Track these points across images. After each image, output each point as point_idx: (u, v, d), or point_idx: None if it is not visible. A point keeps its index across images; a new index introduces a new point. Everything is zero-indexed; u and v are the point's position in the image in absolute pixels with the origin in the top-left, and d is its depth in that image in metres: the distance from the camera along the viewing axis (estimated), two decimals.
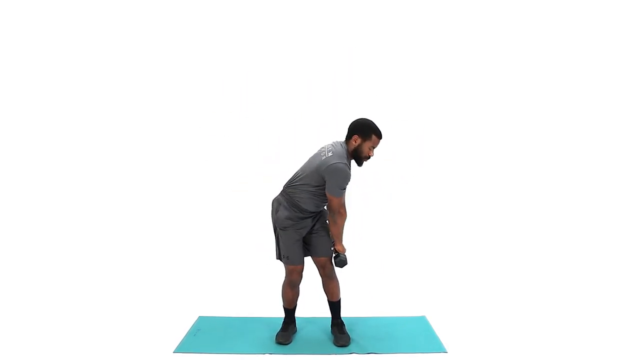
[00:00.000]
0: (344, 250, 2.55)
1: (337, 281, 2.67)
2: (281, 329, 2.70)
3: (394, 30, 4.76)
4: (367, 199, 4.64)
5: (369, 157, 2.49)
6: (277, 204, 2.56)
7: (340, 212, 2.46)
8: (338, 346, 2.60)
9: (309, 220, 2.56)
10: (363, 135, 2.44)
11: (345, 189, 2.43)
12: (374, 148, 2.48)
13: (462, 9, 4.73)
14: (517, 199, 4.76)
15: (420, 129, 4.84)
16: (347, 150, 2.48)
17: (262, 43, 4.72)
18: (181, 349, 2.58)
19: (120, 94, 4.76)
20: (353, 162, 2.53)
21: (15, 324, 2.85)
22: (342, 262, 2.54)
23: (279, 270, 2.78)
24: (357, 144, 2.45)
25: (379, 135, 2.46)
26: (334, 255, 2.58)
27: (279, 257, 2.63)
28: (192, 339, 2.70)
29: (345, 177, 2.39)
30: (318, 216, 2.60)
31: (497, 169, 4.79)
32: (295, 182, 2.52)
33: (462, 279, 3.68)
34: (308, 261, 2.72)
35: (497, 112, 4.83)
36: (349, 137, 2.49)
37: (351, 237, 2.79)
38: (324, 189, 2.43)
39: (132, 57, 4.72)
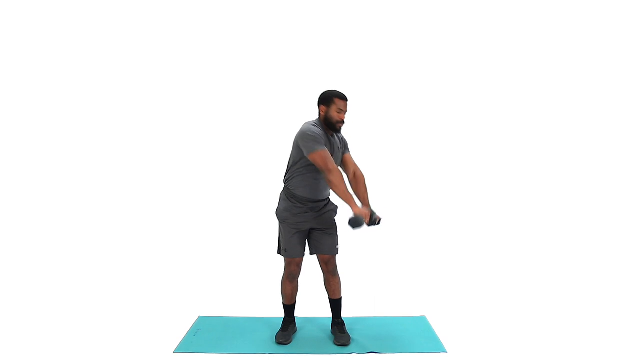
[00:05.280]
0: (362, 212, 2.31)
1: (339, 279, 2.69)
2: (281, 328, 2.70)
3: (394, 30, 4.76)
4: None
5: (341, 121, 2.51)
6: (279, 197, 2.65)
7: (329, 169, 2.35)
8: (338, 346, 2.60)
9: (309, 214, 2.55)
10: (326, 103, 2.51)
11: (321, 143, 2.40)
12: (342, 111, 2.50)
13: (462, 9, 4.74)
14: (517, 199, 4.76)
15: (421, 128, 4.84)
16: (320, 122, 2.54)
17: (261, 43, 4.73)
18: (181, 349, 2.58)
19: (119, 93, 4.76)
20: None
21: (16, 324, 2.85)
22: (355, 222, 2.24)
23: (279, 270, 2.78)
24: (324, 113, 2.52)
25: (340, 97, 2.50)
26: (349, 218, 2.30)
27: (279, 251, 2.67)
28: (192, 339, 2.69)
29: (314, 133, 2.42)
30: (323, 211, 2.59)
31: (497, 169, 4.79)
32: (288, 169, 2.60)
33: (462, 279, 3.68)
34: (310, 261, 2.73)
35: (496, 112, 4.83)
36: (318, 111, 2.56)
37: (352, 237, 2.79)
38: (309, 163, 2.46)
39: (131, 57, 4.72)
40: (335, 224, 2.66)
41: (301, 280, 2.72)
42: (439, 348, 2.59)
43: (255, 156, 4.70)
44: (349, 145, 2.71)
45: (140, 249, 4.21)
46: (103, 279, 3.63)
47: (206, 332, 2.79)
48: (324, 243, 2.60)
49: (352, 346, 2.59)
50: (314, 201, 2.57)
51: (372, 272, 3.78)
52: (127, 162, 4.75)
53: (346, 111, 2.52)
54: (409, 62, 4.80)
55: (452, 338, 2.70)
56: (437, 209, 4.77)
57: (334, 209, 2.67)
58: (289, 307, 2.74)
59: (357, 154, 4.54)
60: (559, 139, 4.79)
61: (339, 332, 2.66)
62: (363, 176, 2.63)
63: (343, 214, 2.70)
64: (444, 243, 4.40)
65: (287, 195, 2.58)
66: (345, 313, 2.74)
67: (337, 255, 2.67)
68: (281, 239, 2.64)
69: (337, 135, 2.61)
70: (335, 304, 2.71)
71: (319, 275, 2.73)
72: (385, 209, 4.67)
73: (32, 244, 4.22)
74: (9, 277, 3.60)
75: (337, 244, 2.65)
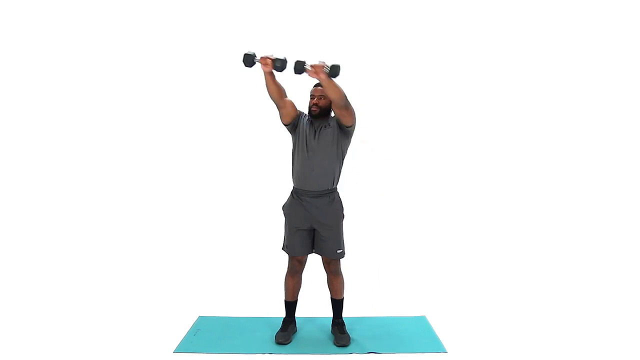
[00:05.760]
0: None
1: (343, 279, 2.68)
2: (280, 328, 2.70)
3: (393, 29, 4.76)
4: (367, 199, 4.65)
5: (312, 105, 2.54)
6: None
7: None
8: (338, 346, 2.60)
9: (306, 212, 2.53)
10: None
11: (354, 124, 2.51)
12: (312, 96, 2.55)
13: (462, 8, 4.74)
14: (517, 199, 4.76)
15: (421, 127, 4.84)
16: None
17: (261, 43, 4.72)
18: (181, 349, 2.58)
19: (119, 93, 4.77)
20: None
21: (15, 324, 2.85)
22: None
23: (279, 270, 2.78)
24: None
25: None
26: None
27: (283, 245, 2.68)
28: (192, 339, 2.70)
29: None
30: (324, 210, 2.53)
31: (497, 169, 4.78)
32: None
33: (462, 279, 3.68)
34: (312, 261, 2.74)
35: (497, 111, 4.83)
36: None
37: (352, 237, 2.79)
38: (293, 145, 2.58)
39: (131, 57, 4.72)
40: (336, 227, 2.57)
41: (302, 280, 2.72)
42: (439, 348, 2.59)
43: (254, 155, 4.70)
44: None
45: (140, 249, 4.21)
46: (103, 279, 3.63)
47: (206, 332, 2.79)
48: (324, 247, 2.58)
49: (352, 346, 2.59)
50: (307, 193, 2.52)
51: (372, 272, 3.78)
52: (127, 162, 4.75)
53: (317, 95, 2.52)
54: (409, 62, 4.79)
55: (452, 338, 2.70)
56: (437, 209, 4.77)
57: (339, 208, 2.58)
58: (290, 305, 2.74)
59: (358, 153, 4.52)
60: (558, 139, 4.79)
61: (339, 332, 2.66)
62: None
63: (350, 214, 2.71)
64: (444, 243, 4.39)
65: (292, 190, 2.62)
66: (345, 313, 2.74)
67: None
68: (285, 233, 2.65)
69: (328, 122, 2.54)
70: (337, 304, 2.70)
71: (320, 275, 2.73)
72: (385, 209, 4.71)
73: (32, 244, 4.22)
74: (9, 277, 3.60)
75: (340, 249, 2.58)
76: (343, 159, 2.58)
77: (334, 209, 2.57)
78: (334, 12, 4.73)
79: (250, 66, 2.46)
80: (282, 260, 2.75)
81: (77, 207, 4.64)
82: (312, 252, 2.65)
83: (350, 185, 2.83)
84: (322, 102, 2.52)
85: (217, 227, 4.53)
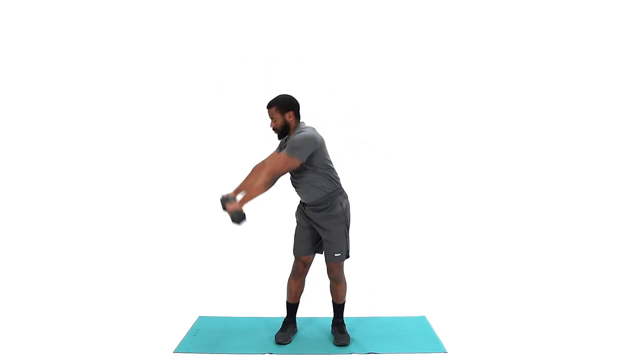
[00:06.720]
0: (237, 206, 2.35)
1: (345, 284, 2.66)
2: (280, 329, 2.70)
3: (393, 29, 4.76)
4: (367, 199, 4.65)
5: (272, 128, 2.53)
6: None
7: (268, 175, 2.36)
8: (338, 346, 2.60)
9: (307, 217, 2.58)
10: None
11: (297, 152, 2.37)
12: (271, 119, 2.51)
13: (462, 8, 4.74)
14: (517, 199, 4.76)
15: (421, 127, 4.84)
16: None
17: (262, 43, 4.72)
18: (181, 349, 2.58)
19: (120, 93, 4.77)
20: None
21: (15, 324, 2.85)
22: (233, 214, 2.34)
23: (279, 270, 2.78)
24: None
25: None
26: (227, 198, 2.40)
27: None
28: (192, 339, 2.70)
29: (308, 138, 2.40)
30: (322, 215, 2.51)
31: (497, 169, 4.79)
32: None
33: (462, 279, 3.68)
34: (314, 263, 2.74)
35: (498, 111, 4.83)
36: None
37: (352, 237, 2.78)
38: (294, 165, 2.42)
39: (131, 57, 4.72)
40: (334, 231, 2.51)
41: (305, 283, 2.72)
42: (439, 348, 2.59)
43: (255, 156, 4.69)
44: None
45: (140, 249, 4.21)
46: (103, 279, 3.63)
47: (206, 332, 2.79)
48: (325, 250, 2.60)
49: (352, 346, 2.59)
50: (305, 204, 2.59)
51: (372, 272, 3.78)
52: (127, 162, 4.75)
53: (270, 119, 2.50)
54: (409, 62, 4.79)
55: (452, 338, 2.70)
56: (437, 209, 4.77)
57: (336, 214, 2.50)
58: (291, 306, 2.74)
59: (358, 153, 4.53)
60: (558, 139, 4.79)
61: (339, 332, 2.66)
62: (257, 166, 2.71)
63: (350, 213, 2.69)
64: (444, 243, 4.40)
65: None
66: (345, 313, 2.73)
67: (343, 262, 2.60)
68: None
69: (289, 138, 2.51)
70: (337, 307, 2.71)
71: (320, 276, 2.73)
72: (385, 209, 4.71)
73: (32, 244, 4.22)
74: (9, 277, 3.60)
75: (337, 252, 2.53)
76: (324, 168, 2.47)
77: (332, 216, 2.50)
78: (334, 12, 4.73)
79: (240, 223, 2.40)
80: (283, 260, 2.75)
81: (78, 208, 4.64)
82: (314, 254, 2.67)
83: (350, 185, 2.83)
84: (275, 125, 2.49)
85: (217, 227, 4.53)
